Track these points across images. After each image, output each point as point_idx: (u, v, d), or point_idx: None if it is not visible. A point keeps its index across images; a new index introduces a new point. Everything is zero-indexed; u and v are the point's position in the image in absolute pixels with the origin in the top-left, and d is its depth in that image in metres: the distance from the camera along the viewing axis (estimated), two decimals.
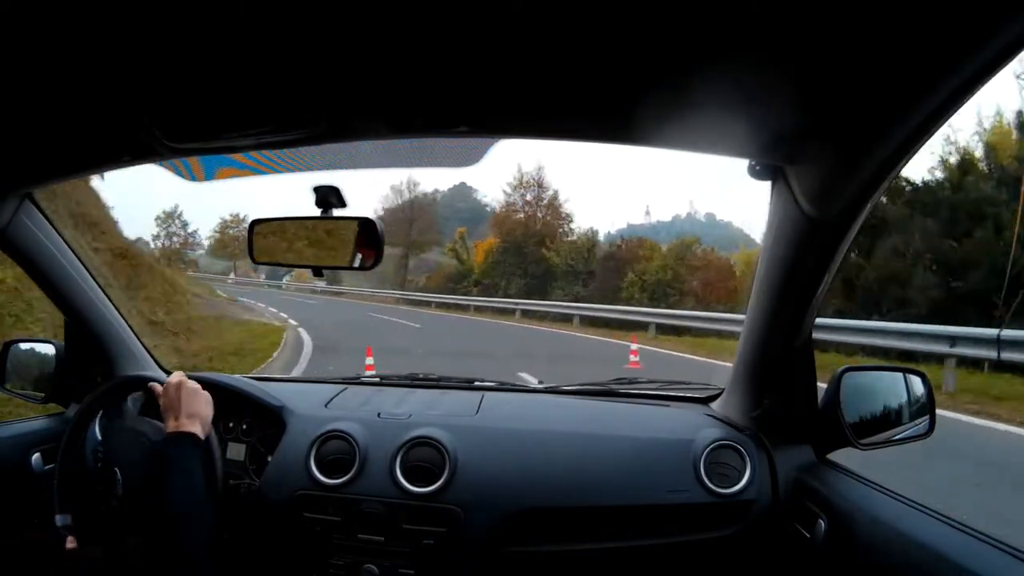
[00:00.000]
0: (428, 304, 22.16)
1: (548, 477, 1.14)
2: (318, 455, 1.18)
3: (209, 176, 1.14)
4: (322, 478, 1.16)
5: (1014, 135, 12.01)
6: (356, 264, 1.03)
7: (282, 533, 1.16)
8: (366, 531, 1.12)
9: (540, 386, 1.56)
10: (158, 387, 1.10)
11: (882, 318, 8.86)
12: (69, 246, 1.25)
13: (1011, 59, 0.52)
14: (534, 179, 28.81)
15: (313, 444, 1.19)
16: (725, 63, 0.61)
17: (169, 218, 38.57)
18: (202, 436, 1.04)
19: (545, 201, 28.72)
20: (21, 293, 4.70)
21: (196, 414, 1.05)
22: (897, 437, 1.09)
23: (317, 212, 1.01)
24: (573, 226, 28.09)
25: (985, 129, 12.38)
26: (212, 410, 1.10)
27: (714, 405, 1.33)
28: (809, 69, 0.60)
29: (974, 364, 6.81)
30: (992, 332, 6.21)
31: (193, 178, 1.12)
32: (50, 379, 1.35)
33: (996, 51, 0.51)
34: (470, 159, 1.01)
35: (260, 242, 1.07)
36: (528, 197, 28.80)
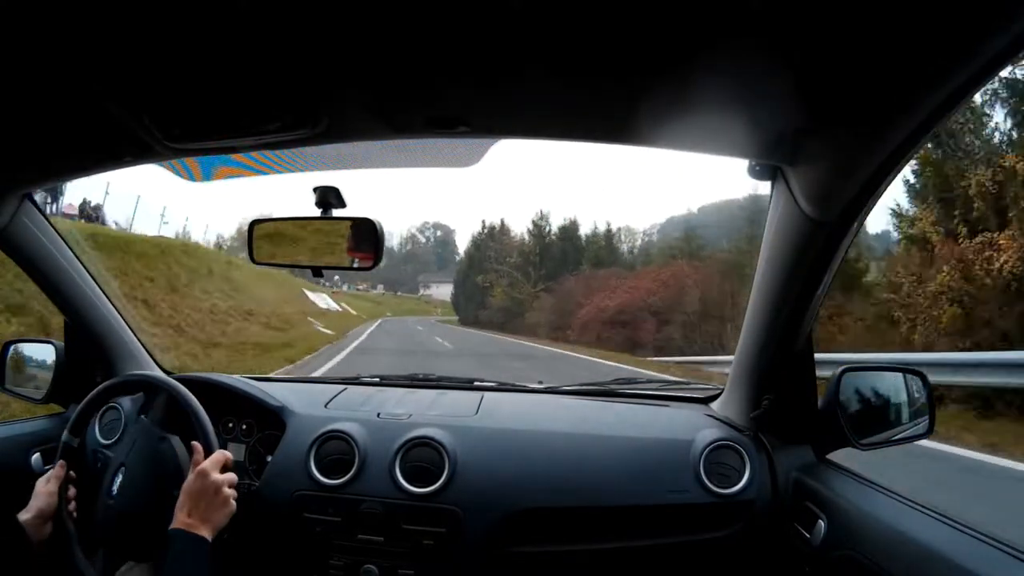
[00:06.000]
0: None
1: (548, 477, 1.14)
2: (318, 455, 1.18)
3: (208, 176, 1.14)
4: (322, 478, 1.15)
5: None
6: (356, 264, 1.03)
7: (282, 533, 1.16)
8: (366, 531, 1.12)
9: (540, 386, 1.56)
10: (200, 452, 1.01)
11: None
12: (69, 246, 1.24)
13: (1011, 59, 0.52)
14: None
15: (313, 444, 1.19)
16: (725, 63, 0.61)
17: None
18: (210, 539, 0.95)
19: None
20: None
21: (211, 521, 0.96)
22: (897, 437, 1.09)
23: (317, 212, 1.01)
24: None
25: None
26: (228, 521, 1.00)
27: (714, 405, 1.33)
28: (809, 70, 0.60)
29: None
30: None
31: (192, 178, 1.12)
32: (50, 379, 1.35)
33: (996, 51, 0.51)
34: (470, 159, 1.01)
35: (260, 242, 1.07)
36: None
